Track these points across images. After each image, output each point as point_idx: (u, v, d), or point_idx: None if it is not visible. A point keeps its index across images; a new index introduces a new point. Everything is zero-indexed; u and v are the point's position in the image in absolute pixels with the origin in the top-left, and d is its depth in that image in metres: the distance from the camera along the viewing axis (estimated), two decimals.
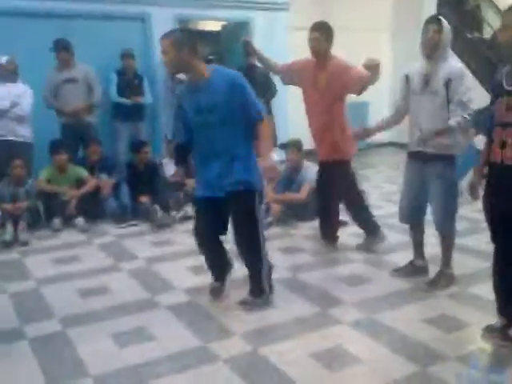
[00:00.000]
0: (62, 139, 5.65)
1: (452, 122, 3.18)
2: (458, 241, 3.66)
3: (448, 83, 3.18)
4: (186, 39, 2.98)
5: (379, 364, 2.67)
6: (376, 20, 8.82)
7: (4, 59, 5.28)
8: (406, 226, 3.76)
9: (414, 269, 3.73)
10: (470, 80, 3.28)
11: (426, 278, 3.64)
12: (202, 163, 3.18)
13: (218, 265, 3.45)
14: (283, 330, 3.02)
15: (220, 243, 3.36)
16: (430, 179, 3.38)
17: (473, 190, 2.93)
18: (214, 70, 3.04)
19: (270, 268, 3.38)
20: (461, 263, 3.76)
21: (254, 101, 3.04)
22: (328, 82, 3.98)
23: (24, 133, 5.34)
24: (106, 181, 5.46)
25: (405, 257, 3.86)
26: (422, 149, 3.36)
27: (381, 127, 3.78)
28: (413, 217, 3.60)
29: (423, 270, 3.72)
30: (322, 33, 3.98)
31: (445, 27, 3.22)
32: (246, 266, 3.33)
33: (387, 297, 3.44)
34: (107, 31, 6.56)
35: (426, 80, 3.29)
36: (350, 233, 4.65)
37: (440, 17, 3.29)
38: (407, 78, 3.44)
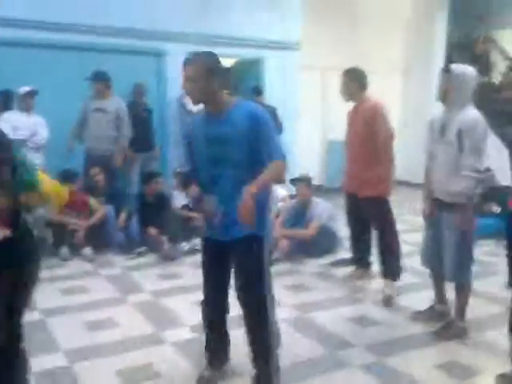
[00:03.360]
0: (85, 167, 5.84)
1: (464, 185, 3.15)
2: None
3: (460, 133, 3.15)
4: (216, 66, 2.55)
5: None
6: (387, 61, 8.98)
7: (24, 90, 5.38)
8: (419, 268, 3.73)
9: (435, 314, 3.65)
10: (483, 129, 3.19)
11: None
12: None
13: (220, 346, 2.92)
14: (290, 373, 2.96)
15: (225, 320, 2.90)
16: (445, 226, 3.34)
17: None
18: (237, 102, 2.62)
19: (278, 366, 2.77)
20: (473, 308, 3.69)
21: (278, 143, 2.58)
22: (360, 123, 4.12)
23: (38, 161, 5.42)
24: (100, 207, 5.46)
25: (417, 299, 3.82)
26: (441, 197, 3.35)
27: (429, 184, 3.57)
28: (433, 261, 3.52)
29: (444, 315, 3.62)
30: (349, 77, 4.17)
31: (455, 76, 3.20)
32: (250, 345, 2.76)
33: (399, 340, 3.39)
34: (121, 65, 6.68)
35: (443, 129, 3.28)
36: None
37: (452, 65, 3.29)
38: (431, 124, 3.44)
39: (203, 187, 2.66)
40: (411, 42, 9.60)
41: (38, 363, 3.03)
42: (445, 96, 3.26)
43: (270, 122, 2.60)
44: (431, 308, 3.69)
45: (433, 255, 3.50)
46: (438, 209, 3.40)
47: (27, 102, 5.41)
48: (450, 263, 3.33)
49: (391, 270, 4.16)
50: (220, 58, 2.60)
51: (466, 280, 3.38)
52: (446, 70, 3.27)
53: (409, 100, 9.48)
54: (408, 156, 7.48)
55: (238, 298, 2.70)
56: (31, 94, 5.42)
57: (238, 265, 2.69)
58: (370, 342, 3.35)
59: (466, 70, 3.27)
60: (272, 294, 2.71)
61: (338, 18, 8.85)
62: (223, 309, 2.84)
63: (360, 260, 4.57)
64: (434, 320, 3.59)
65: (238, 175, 2.55)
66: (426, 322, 3.61)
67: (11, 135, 5.11)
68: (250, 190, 2.37)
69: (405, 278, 4.37)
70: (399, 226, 4.32)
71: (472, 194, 3.18)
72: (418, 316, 3.70)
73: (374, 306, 3.96)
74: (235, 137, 2.54)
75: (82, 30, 6.37)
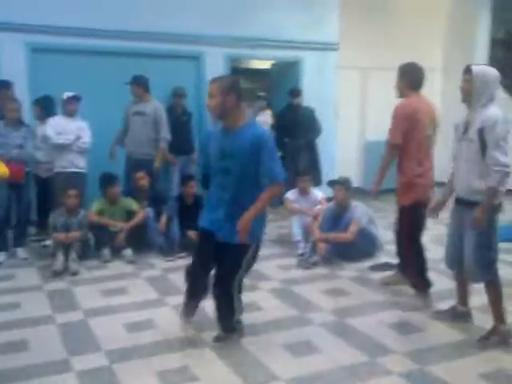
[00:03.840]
0: (125, 170, 5.96)
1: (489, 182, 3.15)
2: (508, 290, 3.49)
3: (481, 131, 3.16)
4: (235, 86, 3.02)
5: None
6: (426, 59, 8.75)
7: (68, 95, 5.54)
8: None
9: (456, 314, 3.65)
10: (503, 126, 3.16)
11: (474, 326, 3.47)
12: (211, 204, 3.25)
13: (199, 297, 3.39)
14: (330, 379, 2.94)
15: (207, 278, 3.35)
16: (465, 226, 3.32)
17: None
18: (249, 122, 3.11)
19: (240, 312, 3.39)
20: None
21: (272, 165, 3.01)
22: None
23: (82, 164, 5.59)
24: (141, 209, 5.52)
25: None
26: (462, 195, 3.35)
27: (450, 188, 3.58)
28: (455, 263, 3.51)
29: (465, 316, 3.63)
30: (398, 73, 4.05)
31: (476, 76, 3.20)
32: (217, 309, 3.32)
33: (440, 347, 3.31)
34: (161, 69, 6.78)
35: (466, 127, 3.30)
36: None
37: (473, 66, 3.27)
38: (456, 127, 3.45)
39: (213, 193, 3.20)
40: (452, 39, 9.37)
41: (80, 362, 3.11)
42: (467, 97, 3.28)
43: (271, 146, 3.03)
44: (453, 308, 3.69)
45: (454, 256, 3.48)
46: (459, 208, 3.39)
47: (71, 107, 5.55)
48: (470, 263, 3.30)
49: (414, 282, 4.11)
50: (239, 80, 3.13)
51: (487, 280, 3.32)
52: (467, 71, 3.27)
53: (448, 99, 9.24)
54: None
55: (214, 283, 3.23)
56: (75, 100, 5.56)
57: (220, 258, 3.18)
58: (410, 348, 3.28)
59: (487, 70, 3.27)
60: (239, 292, 3.29)
61: (376, 16, 8.72)
62: (204, 282, 3.30)
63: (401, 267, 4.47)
64: (456, 320, 3.61)
65: (241, 187, 3.07)
66: (446, 322, 3.61)
67: (56, 139, 5.40)
68: (246, 217, 2.99)
69: (443, 283, 4.26)
70: (433, 227, 4.21)
71: (497, 189, 3.15)
72: (438, 315, 3.71)
73: (415, 312, 3.87)
74: (241, 153, 3.01)
75: (121, 35, 6.51)
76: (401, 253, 4.26)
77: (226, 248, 3.14)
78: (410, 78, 4.00)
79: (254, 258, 3.23)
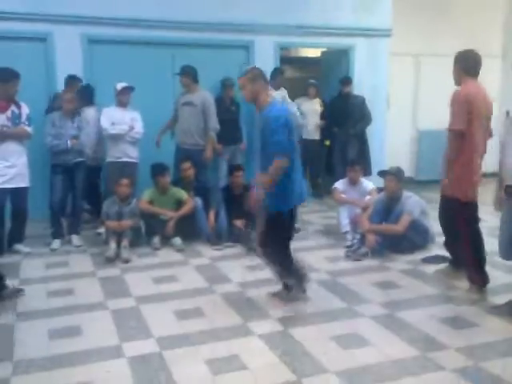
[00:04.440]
0: (175, 160, 6.01)
1: None
2: None
3: None
4: (259, 75, 3.61)
5: None
6: (485, 45, 8.41)
7: (121, 86, 5.65)
8: None
9: None
10: None
11: None
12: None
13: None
14: (379, 373, 2.88)
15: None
16: None
17: None
18: (270, 104, 3.60)
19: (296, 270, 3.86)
20: None
21: (277, 140, 3.45)
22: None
23: (135, 154, 5.72)
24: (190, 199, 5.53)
25: None
26: (509, 182, 3.28)
27: (501, 174, 3.51)
28: (509, 252, 3.38)
29: None
30: (455, 60, 3.91)
31: None
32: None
33: (496, 344, 3.18)
34: (211, 59, 6.81)
35: None
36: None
37: None
38: (508, 113, 3.28)
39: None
40: (510, 24, 8.94)
41: (132, 348, 3.19)
42: None
43: (274, 123, 3.47)
44: (510, 303, 3.54)
45: (508, 245, 3.35)
46: (509, 196, 3.28)
47: (124, 98, 5.65)
48: None
49: (470, 276, 3.96)
50: (259, 68, 3.74)
51: None
52: None
53: (509, 86, 8.84)
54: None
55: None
56: (128, 90, 5.66)
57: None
58: (465, 344, 3.17)
59: None
60: (283, 260, 3.79)
61: (429, 1, 8.42)
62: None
63: (454, 260, 4.34)
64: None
65: (263, 157, 3.59)
66: (503, 317, 3.47)
67: (110, 130, 5.52)
68: (259, 192, 3.59)
69: (499, 277, 4.10)
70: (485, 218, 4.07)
71: None
72: (494, 310, 3.59)
73: (468, 307, 3.73)
74: (262, 131, 3.57)
75: (171, 25, 6.57)
76: (456, 246, 4.10)
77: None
78: (466, 65, 3.85)
79: (278, 227, 3.67)
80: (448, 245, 4.35)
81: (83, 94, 5.89)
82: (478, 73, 3.88)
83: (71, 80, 5.90)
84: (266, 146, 3.53)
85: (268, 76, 4.53)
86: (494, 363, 2.94)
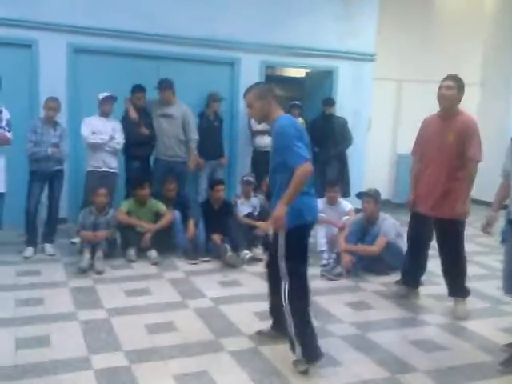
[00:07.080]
0: (155, 172, 6.00)
1: None
2: None
3: None
4: (268, 91, 3.18)
5: None
6: (464, 73, 8.61)
7: (103, 95, 5.64)
8: (492, 293, 3.52)
9: None
10: None
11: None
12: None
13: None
14: None
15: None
16: None
17: None
18: (278, 117, 3.14)
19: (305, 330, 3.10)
20: None
21: (295, 150, 2.94)
22: (455, 138, 3.90)
23: (114, 164, 5.68)
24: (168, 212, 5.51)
25: (484, 326, 3.60)
26: None
27: (497, 208, 3.53)
28: None
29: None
30: (456, 83, 3.93)
31: None
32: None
33: (464, 368, 3.21)
34: (196, 74, 6.85)
35: None
36: (427, 294, 4.46)
37: None
38: None
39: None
40: (489, 53, 9.19)
41: (100, 360, 3.13)
42: None
43: (286, 133, 3.01)
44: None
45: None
46: None
47: (106, 107, 5.64)
48: None
49: (461, 288, 4.06)
50: (267, 83, 3.47)
51: None
52: None
53: (487, 114, 9.04)
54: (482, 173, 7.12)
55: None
56: (110, 100, 5.65)
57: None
58: (434, 367, 3.20)
59: None
60: (291, 268, 3.15)
61: (413, 29, 8.63)
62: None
63: (412, 279, 4.42)
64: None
65: (276, 174, 3.12)
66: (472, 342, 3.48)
67: (91, 139, 5.49)
68: (279, 208, 2.96)
69: (474, 303, 4.16)
70: (472, 247, 4.11)
71: None
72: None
73: (440, 330, 3.78)
74: (272, 146, 3.15)
75: (159, 39, 6.60)
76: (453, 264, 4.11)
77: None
78: (463, 93, 3.92)
79: (290, 245, 3.09)
80: (410, 271, 4.43)
81: None
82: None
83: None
84: (283, 159, 3.03)
85: None
86: None
